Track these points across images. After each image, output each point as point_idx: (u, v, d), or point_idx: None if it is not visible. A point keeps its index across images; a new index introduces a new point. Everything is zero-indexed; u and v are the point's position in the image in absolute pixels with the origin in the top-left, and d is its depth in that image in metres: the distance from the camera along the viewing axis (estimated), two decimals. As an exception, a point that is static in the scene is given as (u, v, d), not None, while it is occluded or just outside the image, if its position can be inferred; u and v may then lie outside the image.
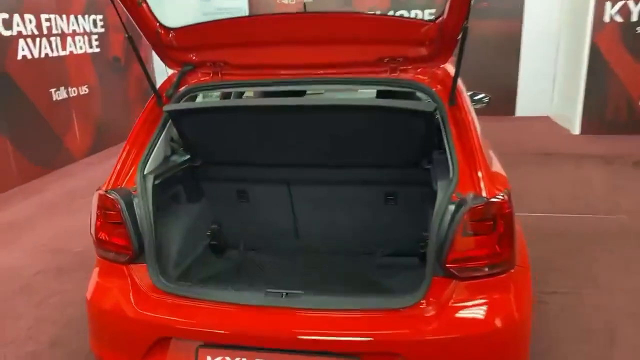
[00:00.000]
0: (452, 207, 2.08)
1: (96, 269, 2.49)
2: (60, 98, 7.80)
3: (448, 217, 2.08)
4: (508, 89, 9.53)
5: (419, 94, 2.57)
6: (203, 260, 3.00)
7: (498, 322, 2.09)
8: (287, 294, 2.17)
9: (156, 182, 2.47)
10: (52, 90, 7.63)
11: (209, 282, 2.62)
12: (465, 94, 2.52)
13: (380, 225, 2.99)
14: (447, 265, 2.08)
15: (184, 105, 2.58)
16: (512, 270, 2.17)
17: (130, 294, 2.31)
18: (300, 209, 3.04)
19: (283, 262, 2.91)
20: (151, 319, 2.23)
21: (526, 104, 9.70)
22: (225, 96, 3.58)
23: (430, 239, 2.11)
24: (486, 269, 2.12)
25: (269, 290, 2.19)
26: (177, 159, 2.83)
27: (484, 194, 2.11)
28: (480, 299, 2.12)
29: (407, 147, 2.59)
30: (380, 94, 3.07)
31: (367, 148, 2.64)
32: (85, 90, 8.38)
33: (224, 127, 2.63)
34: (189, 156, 2.87)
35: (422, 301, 2.09)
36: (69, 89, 7.99)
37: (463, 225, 2.05)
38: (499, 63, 9.36)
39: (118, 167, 2.48)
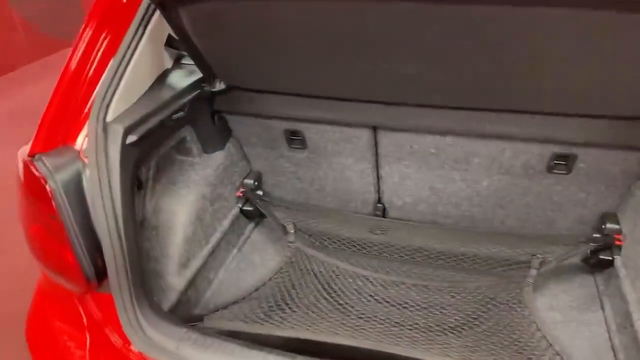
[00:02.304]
0: None
1: (38, 293, 1.42)
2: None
3: None
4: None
5: None
6: (231, 241, 1.89)
7: None
8: None
9: (131, 138, 1.27)
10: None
11: (233, 314, 1.50)
12: None
13: (533, 205, 1.74)
14: None
15: None
16: None
17: (90, 355, 1.25)
18: (388, 167, 1.80)
19: (349, 264, 1.72)
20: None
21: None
22: None
23: None
24: None
25: None
26: (182, 78, 1.58)
27: None
28: None
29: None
30: None
31: (549, 78, 1.30)
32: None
33: (260, 24, 1.32)
34: (201, 75, 1.60)
35: None
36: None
37: None
38: None
39: (53, 107, 1.28)
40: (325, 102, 1.64)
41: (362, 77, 1.43)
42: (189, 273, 1.62)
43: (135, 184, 1.37)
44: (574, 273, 1.79)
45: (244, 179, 1.97)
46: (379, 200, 1.94)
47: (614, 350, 1.49)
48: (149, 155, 1.48)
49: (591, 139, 1.50)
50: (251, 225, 2.06)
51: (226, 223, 1.85)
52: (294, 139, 1.83)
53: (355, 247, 1.84)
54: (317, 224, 1.92)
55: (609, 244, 1.65)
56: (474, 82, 1.37)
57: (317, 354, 1.21)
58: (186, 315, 1.55)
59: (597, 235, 1.68)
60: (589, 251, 1.71)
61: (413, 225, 1.93)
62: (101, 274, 1.25)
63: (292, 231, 1.82)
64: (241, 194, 1.94)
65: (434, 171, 1.77)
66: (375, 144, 1.74)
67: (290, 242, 1.81)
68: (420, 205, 1.90)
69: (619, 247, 1.62)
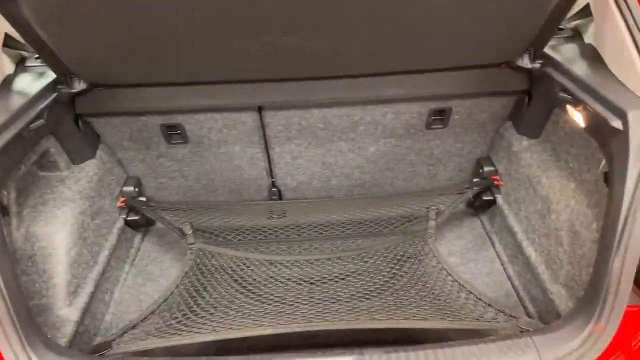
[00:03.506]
0: None
1: None
2: None
3: None
4: None
5: None
6: (121, 256, 1.71)
7: None
8: None
9: None
10: None
11: (145, 332, 1.35)
12: None
13: (416, 162, 1.83)
14: None
15: None
16: None
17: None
18: (279, 148, 1.76)
19: (260, 258, 1.67)
20: None
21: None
22: None
23: (619, 237, 1.02)
24: None
25: None
26: (32, 82, 1.37)
27: None
28: None
29: (509, 29, 1.35)
30: None
31: (418, 39, 1.36)
32: None
33: (124, 9, 1.18)
34: (55, 76, 1.40)
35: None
36: None
37: None
38: None
39: None
40: (203, 89, 1.54)
41: (241, 55, 1.36)
42: (81, 300, 1.43)
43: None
44: (462, 219, 1.93)
45: (122, 187, 1.79)
46: (273, 184, 1.90)
47: (510, 280, 1.64)
48: (8, 175, 1.26)
49: (462, 90, 1.61)
50: (139, 236, 1.89)
51: (112, 238, 1.67)
52: (173, 133, 1.70)
53: (260, 235, 1.79)
54: (214, 220, 1.82)
55: (489, 185, 1.81)
56: (352, 49, 1.38)
57: (245, 350, 1.14)
58: (89, 346, 1.37)
59: (478, 179, 1.83)
60: (472, 195, 1.86)
61: (310, 203, 1.92)
62: None
63: (190, 232, 1.70)
64: (123, 204, 1.76)
65: (323, 145, 1.77)
66: (263, 126, 1.68)
67: (191, 244, 1.69)
68: (314, 182, 1.89)
69: (498, 187, 1.78)
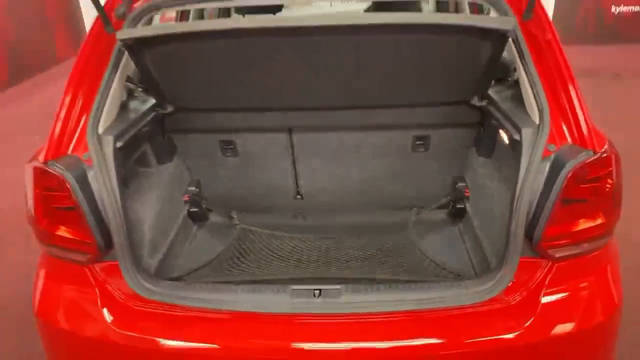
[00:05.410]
0: (545, 166, 1.53)
1: (42, 271, 1.78)
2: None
3: (541, 179, 1.53)
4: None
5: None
6: (184, 236, 2.33)
7: (601, 312, 1.63)
8: (320, 292, 1.59)
9: (118, 144, 1.72)
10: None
11: (204, 274, 1.97)
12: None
13: (408, 178, 2.42)
14: (544, 244, 1.56)
15: (146, 30, 1.77)
16: (609, 242, 1.71)
17: (102, 308, 1.65)
18: (303, 162, 2.39)
19: (285, 235, 2.29)
20: (139, 342, 1.60)
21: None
22: (199, 16, 2.72)
23: (515, 209, 1.56)
24: (585, 245, 1.63)
25: (295, 287, 1.60)
26: (139, 105, 2.05)
27: (588, 146, 1.56)
28: (582, 283, 1.65)
29: (458, 79, 1.96)
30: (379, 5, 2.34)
31: (399, 82, 1.99)
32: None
33: (203, 59, 1.87)
34: (154, 101, 2.09)
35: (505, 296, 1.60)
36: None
37: (565, 191, 1.51)
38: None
39: (59, 125, 1.70)
40: (250, 114, 2.20)
41: (277, 90, 2.02)
42: (158, 256, 2.04)
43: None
44: (442, 226, 2.47)
45: (187, 186, 2.44)
46: (298, 192, 2.51)
47: (471, 262, 2.16)
48: (126, 156, 1.92)
49: (436, 121, 2.22)
50: (195, 227, 2.51)
51: (179, 220, 2.30)
52: (227, 148, 2.35)
53: (286, 227, 2.40)
54: (254, 214, 2.45)
55: (461, 197, 2.37)
56: (356, 89, 2.02)
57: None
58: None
59: (452, 192, 2.40)
60: (450, 204, 2.41)
61: (325, 208, 2.52)
62: (108, 245, 1.66)
63: (236, 216, 2.33)
64: (187, 198, 2.40)
65: (336, 161, 2.39)
66: (292, 145, 2.32)
67: (236, 224, 2.32)
68: (328, 190, 2.50)
69: (468, 197, 2.34)
